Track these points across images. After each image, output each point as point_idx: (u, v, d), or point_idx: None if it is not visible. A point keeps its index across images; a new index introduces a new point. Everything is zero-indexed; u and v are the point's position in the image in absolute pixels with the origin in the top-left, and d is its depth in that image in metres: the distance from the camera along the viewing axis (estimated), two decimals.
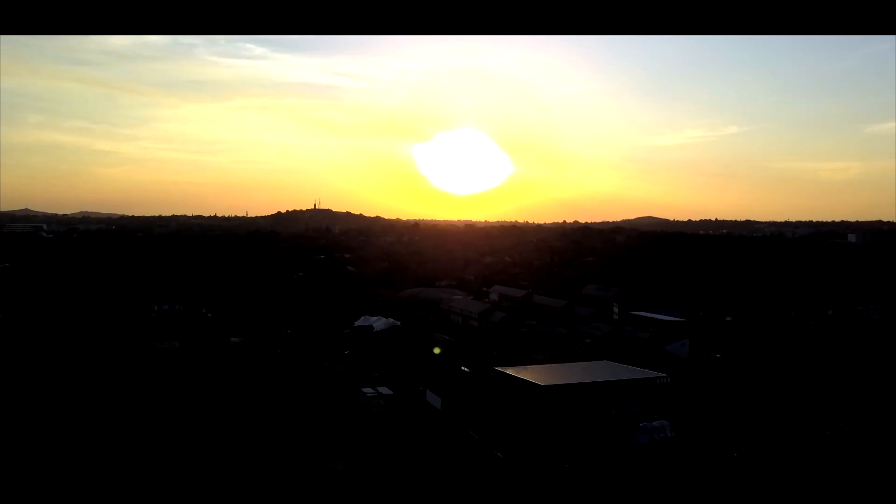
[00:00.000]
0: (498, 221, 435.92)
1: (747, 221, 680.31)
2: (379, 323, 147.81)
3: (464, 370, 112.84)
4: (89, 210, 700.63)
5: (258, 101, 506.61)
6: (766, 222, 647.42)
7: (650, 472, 76.28)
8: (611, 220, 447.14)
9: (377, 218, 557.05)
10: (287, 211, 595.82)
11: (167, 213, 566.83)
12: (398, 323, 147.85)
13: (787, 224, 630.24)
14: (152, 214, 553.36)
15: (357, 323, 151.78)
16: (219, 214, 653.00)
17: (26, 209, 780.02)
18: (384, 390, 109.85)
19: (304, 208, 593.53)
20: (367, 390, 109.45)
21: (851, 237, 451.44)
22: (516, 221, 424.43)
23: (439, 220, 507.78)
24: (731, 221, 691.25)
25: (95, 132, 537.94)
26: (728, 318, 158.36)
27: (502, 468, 76.76)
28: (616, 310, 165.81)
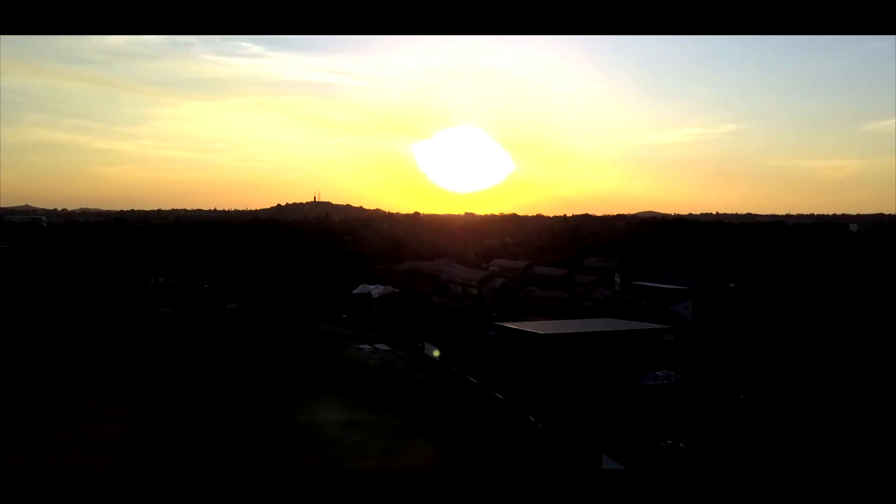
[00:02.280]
0: (500, 214, 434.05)
1: (748, 214, 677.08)
2: (377, 290, 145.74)
3: (463, 326, 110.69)
4: (89, 207, 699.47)
5: (256, 100, 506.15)
6: (766, 215, 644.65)
7: (655, 407, 74.28)
8: (612, 214, 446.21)
9: (377, 210, 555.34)
10: (287, 204, 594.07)
11: (167, 208, 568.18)
12: (396, 290, 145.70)
13: (788, 217, 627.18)
14: (152, 209, 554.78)
15: (355, 291, 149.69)
16: (219, 209, 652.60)
17: (26, 205, 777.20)
18: (381, 346, 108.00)
19: (304, 201, 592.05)
20: (365, 346, 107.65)
21: (853, 226, 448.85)
22: (516, 213, 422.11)
23: (439, 214, 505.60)
24: (731, 214, 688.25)
25: (95, 131, 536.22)
26: (732, 285, 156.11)
27: (502, 407, 74.76)
28: (618, 279, 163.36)
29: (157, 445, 61.01)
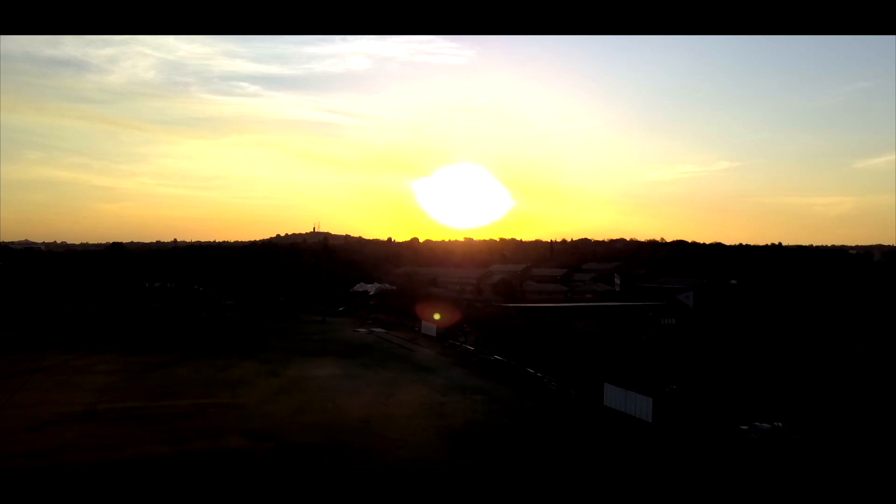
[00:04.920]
0: (499, 239, 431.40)
1: (746, 245, 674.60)
2: (374, 287, 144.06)
3: (463, 302, 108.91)
4: (89, 241, 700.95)
5: (255, 138, 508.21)
6: (764, 245, 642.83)
7: (663, 352, 72.54)
8: (612, 238, 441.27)
9: (376, 240, 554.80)
10: (285, 234, 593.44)
11: (166, 240, 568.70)
12: (394, 287, 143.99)
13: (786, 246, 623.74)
14: (151, 241, 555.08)
15: (352, 290, 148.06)
16: (217, 240, 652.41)
17: (26, 240, 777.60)
18: (378, 330, 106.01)
19: (303, 232, 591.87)
20: (361, 330, 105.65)
21: (852, 251, 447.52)
22: (514, 238, 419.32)
23: (437, 240, 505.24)
24: (730, 245, 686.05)
25: (94, 168, 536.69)
26: (733, 282, 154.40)
27: (499, 365, 72.85)
28: (618, 280, 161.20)
29: (139, 388, 59.16)
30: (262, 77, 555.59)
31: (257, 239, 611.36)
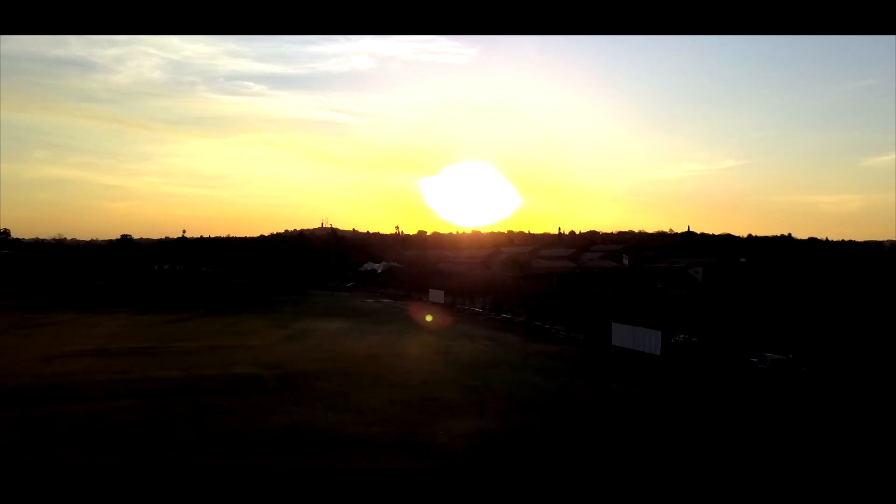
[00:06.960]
0: (507, 231, 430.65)
1: (755, 236, 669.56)
2: (381, 266, 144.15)
3: (471, 277, 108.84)
4: (98, 238, 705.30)
5: (261, 137, 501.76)
6: (773, 236, 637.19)
7: (671, 311, 72.21)
8: (621, 230, 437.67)
9: (383, 234, 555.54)
10: (294, 230, 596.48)
11: (174, 236, 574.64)
12: (402, 266, 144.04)
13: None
14: (159, 237, 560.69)
15: (361, 269, 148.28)
16: (222, 236, 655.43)
17: (36, 238, 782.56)
18: (387, 301, 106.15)
19: (311, 227, 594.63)
20: (369, 300, 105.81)
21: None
22: (523, 231, 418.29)
23: (445, 233, 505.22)
24: (739, 236, 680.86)
25: (101, 167, 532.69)
26: (742, 260, 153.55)
27: (506, 321, 72.85)
28: (626, 261, 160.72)
29: (148, 335, 59.46)
30: (267, 76, 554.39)
31: (265, 234, 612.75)
